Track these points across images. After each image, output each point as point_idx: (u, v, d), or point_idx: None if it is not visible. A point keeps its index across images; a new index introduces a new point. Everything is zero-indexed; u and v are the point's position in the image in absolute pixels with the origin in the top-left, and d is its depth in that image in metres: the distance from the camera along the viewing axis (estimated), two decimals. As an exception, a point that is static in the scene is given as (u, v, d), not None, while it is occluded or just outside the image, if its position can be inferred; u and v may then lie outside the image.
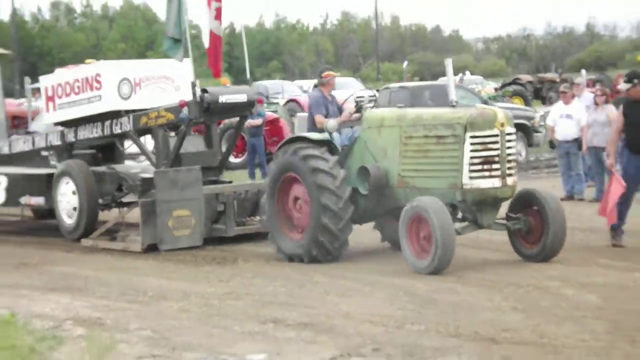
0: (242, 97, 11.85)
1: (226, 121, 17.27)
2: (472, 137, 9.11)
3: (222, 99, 11.58)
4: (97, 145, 12.96)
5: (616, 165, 10.83)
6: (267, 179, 10.68)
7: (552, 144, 15.63)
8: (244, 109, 12.26)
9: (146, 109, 12.02)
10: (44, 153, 13.55)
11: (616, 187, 10.35)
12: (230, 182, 12.65)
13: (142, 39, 58.83)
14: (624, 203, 10.43)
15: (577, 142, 14.04)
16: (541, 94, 37.63)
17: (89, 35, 39.10)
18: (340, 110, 10.84)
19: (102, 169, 12.61)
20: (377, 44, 56.97)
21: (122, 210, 12.80)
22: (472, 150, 9.12)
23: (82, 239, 12.12)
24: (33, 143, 13.68)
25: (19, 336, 6.99)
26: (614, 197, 10.32)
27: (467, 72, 39.97)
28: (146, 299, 8.92)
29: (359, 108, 10.50)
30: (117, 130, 12.37)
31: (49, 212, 13.65)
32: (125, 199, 12.69)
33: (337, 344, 6.87)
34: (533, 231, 9.60)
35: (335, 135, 10.30)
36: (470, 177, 9.13)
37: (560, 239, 9.51)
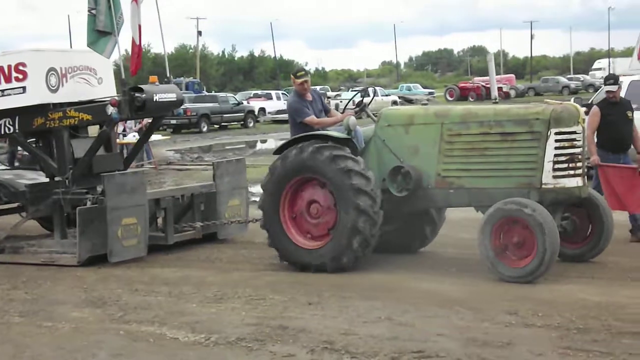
0: (173, 96, 10.55)
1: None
2: (557, 133, 8.09)
3: (157, 97, 10.17)
4: None
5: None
6: (270, 181, 8.98)
7: None
8: (173, 107, 10.97)
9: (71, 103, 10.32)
10: None
11: (629, 174, 9.40)
12: None
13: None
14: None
15: None
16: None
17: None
18: (325, 108, 9.60)
19: None
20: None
21: (18, 221, 10.91)
22: (557, 148, 8.09)
23: None
24: None
25: None
26: (637, 186, 9.31)
27: None
28: None
29: (362, 106, 9.54)
30: None
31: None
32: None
33: None
34: (578, 231, 8.78)
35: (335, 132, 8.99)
36: (554, 176, 8.11)
37: (610, 236, 8.77)
